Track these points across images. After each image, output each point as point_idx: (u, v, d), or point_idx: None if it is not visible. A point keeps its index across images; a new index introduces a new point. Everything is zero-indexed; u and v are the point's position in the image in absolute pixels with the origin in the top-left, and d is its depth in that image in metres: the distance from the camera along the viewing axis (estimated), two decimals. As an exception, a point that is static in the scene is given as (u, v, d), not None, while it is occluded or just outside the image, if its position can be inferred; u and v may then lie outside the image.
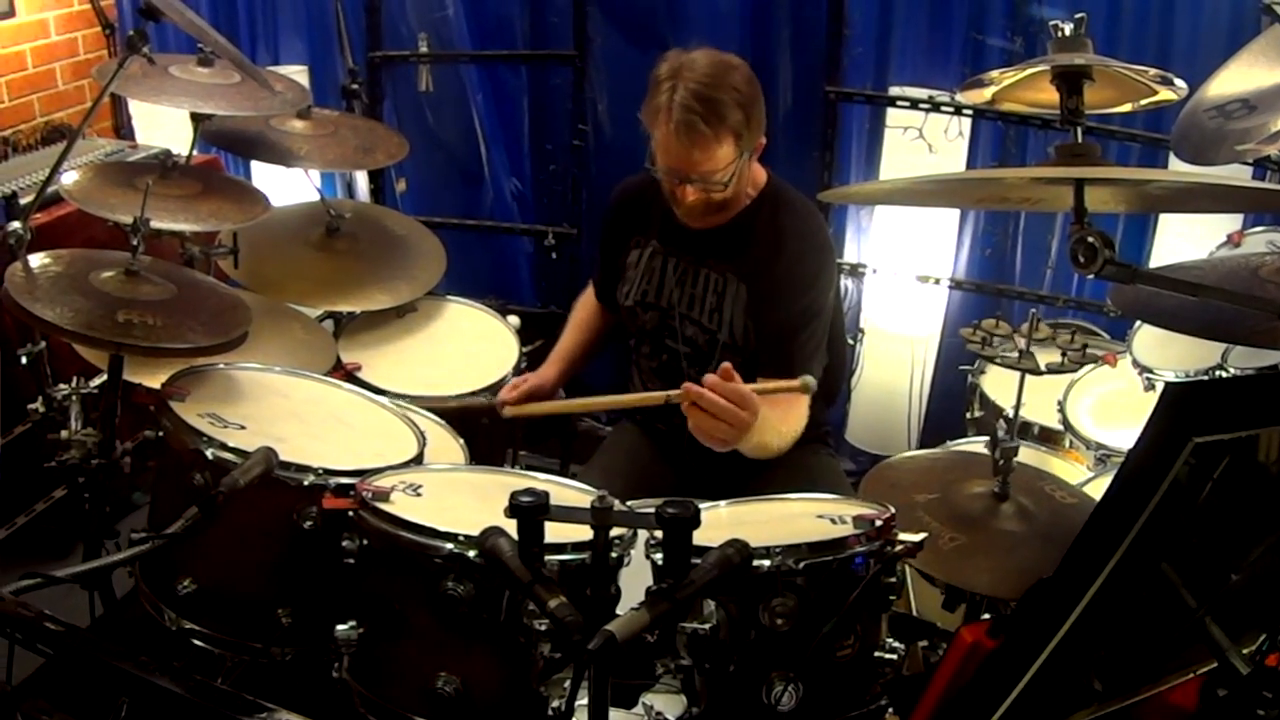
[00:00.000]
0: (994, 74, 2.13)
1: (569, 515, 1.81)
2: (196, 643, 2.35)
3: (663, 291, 2.95)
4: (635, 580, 1.94)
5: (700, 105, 2.58)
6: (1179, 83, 2.01)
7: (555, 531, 1.83)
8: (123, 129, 5.11)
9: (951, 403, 4.17)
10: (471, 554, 1.92)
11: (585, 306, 3.33)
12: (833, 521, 2.12)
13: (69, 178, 3.04)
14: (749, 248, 2.83)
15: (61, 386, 2.90)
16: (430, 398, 3.09)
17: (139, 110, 5.00)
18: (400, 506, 2.08)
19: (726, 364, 2.33)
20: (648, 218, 2.98)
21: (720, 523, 2.21)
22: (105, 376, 2.66)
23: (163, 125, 4.78)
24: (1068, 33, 1.92)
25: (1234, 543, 1.64)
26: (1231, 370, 2.93)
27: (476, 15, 4.73)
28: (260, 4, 4.93)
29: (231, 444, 2.28)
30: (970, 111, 4.10)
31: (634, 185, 3.02)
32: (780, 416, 2.60)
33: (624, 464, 3.06)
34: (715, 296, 2.87)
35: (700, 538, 1.77)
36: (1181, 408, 1.34)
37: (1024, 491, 2.54)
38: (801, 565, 1.93)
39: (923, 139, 4.21)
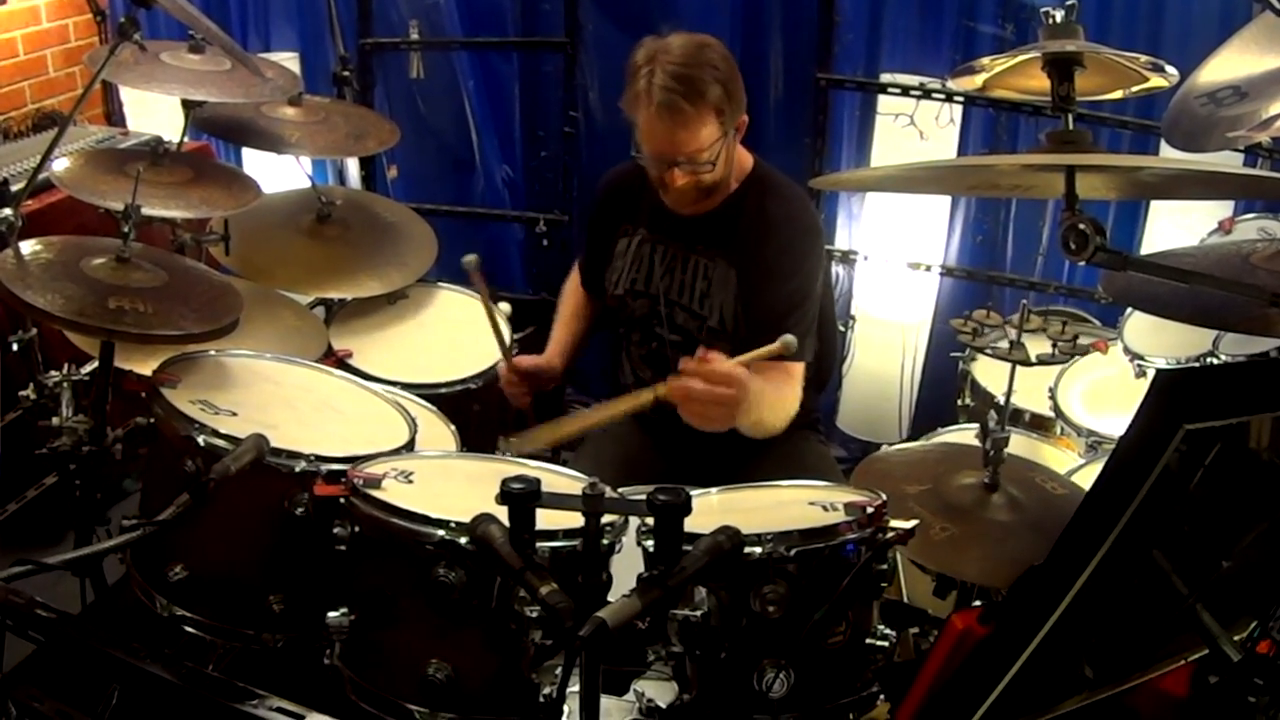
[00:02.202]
0: (985, 61, 2.13)
1: (560, 502, 1.81)
2: (188, 629, 2.36)
3: (652, 279, 2.96)
4: (626, 567, 1.94)
5: (679, 84, 2.60)
6: (1170, 70, 2.01)
7: (547, 518, 1.83)
8: (114, 116, 5.10)
9: (943, 389, 4.17)
10: (463, 541, 1.92)
11: (573, 296, 3.33)
12: (824, 509, 2.11)
13: (60, 164, 3.03)
14: (737, 233, 2.84)
15: (53, 373, 2.90)
16: (421, 384, 3.09)
17: (130, 97, 4.99)
18: (392, 493, 2.08)
19: (701, 347, 2.34)
20: (636, 206, 2.98)
21: (711, 510, 2.21)
22: (96, 363, 2.65)
23: (154, 112, 4.78)
24: (1059, 19, 1.92)
25: (1225, 530, 1.65)
26: (1222, 357, 2.94)
27: (467, 2, 4.72)
28: (251, -9, 4.92)
29: (223, 431, 2.28)
30: (961, 98, 4.10)
31: (621, 174, 3.02)
32: (775, 390, 2.62)
33: (615, 451, 3.06)
34: (704, 283, 2.88)
35: (691, 525, 1.77)
36: (1173, 395, 1.34)
37: (1014, 482, 2.54)
38: (793, 552, 1.93)
39: (914, 126, 4.22)
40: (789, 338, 2.40)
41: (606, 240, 3.08)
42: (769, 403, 2.57)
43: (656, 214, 2.91)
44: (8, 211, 2.63)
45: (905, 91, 4.17)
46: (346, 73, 4.06)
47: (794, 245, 2.83)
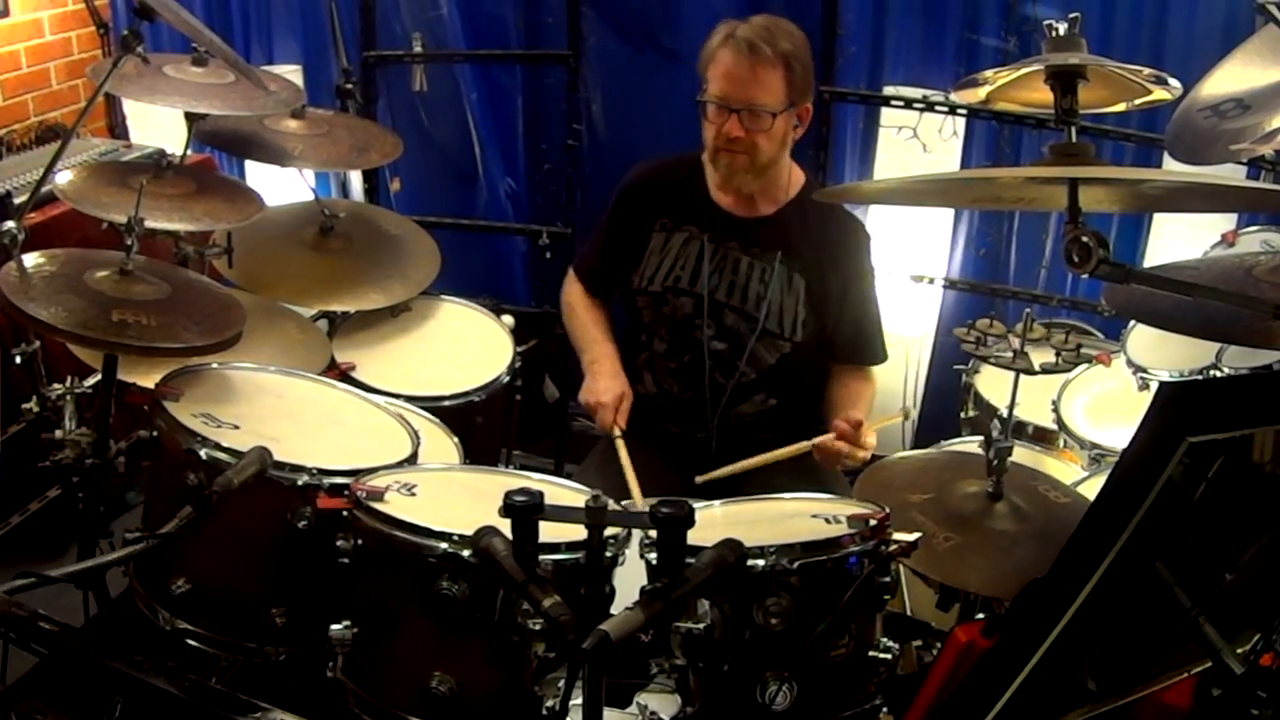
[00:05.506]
0: (988, 73, 2.13)
1: (563, 515, 1.81)
2: (191, 642, 2.35)
3: (698, 278, 2.95)
4: (630, 580, 1.94)
5: (763, 33, 2.74)
6: (1173, 82, 2.01)
7: (549, 531, 1.83)
8: (117, 128, 5.11)
9: (946, 402, 4.17)
10: (466, 554, 1.91)
11: (586, 304, 3.27)
12: (827, 521, 2.12)
13: (63, 177, 3.03)
14: (803, 241, 2.92)
15: (56, 386, 2.90)
16: (424, 397, 3.08)
17: (133, 110, 5.00)
18: (395, 506, 2.08)
19: (859, 418, 2.67)
20: (677, 201, 2.99)
21: (715, 522, 2.21)
22: (99, 376, 2.65)
23: (157, 125, 4.79)
24: (1062, 32, 1.92)
25: (1228, 542, 1.64)
26: (1226, 370, 2.94)
27: (470, 15, 4.73)
28: (254, 3, 4.93)
29: (225, 444, 2.27)
30: (964, 111, 4.11)
31: (658, 168, 3.02)
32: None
33: (618, 463, 3.05)
34: (760, 285, 2.89)
35: (695, 537, 1.77)
36: (1176, 407, 1.34)
37: (1018, 491, 2.54)
38: (796, 565, 1.93)
39: (917, 138, 4.22)
40: (911, 410, 2.56)
41: (636, 234, 3.05)
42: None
43: (706, 212, 2.92)
44: (11, 224, 2.64)
45: (908, 104, 4.17)
46: (349, 85, 4.07)
47: (864, 251, 3.04)
